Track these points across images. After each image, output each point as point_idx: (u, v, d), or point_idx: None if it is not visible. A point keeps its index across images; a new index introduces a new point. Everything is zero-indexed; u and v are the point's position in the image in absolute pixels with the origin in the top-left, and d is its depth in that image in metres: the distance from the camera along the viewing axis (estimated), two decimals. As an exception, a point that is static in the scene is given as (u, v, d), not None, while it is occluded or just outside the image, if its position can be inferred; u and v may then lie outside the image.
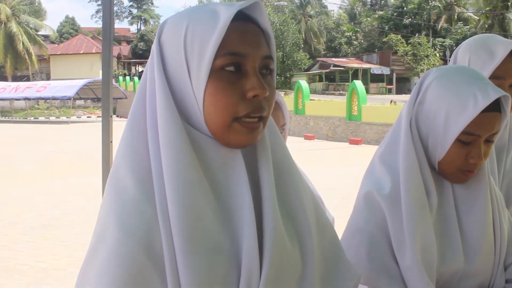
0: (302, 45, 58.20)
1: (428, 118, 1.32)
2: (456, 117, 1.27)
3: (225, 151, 0.93)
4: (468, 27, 51.97)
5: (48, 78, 50.70)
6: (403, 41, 49.16)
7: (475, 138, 1.28)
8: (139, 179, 0.90)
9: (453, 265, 1.31)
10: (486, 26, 43.62)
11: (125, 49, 63.00)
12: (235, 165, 0.93)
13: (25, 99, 33.58)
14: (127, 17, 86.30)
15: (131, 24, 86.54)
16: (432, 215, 1.31)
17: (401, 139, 1.34)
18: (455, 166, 1.31)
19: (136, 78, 38.01)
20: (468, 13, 52.71)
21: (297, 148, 14.93)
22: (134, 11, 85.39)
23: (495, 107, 1.28)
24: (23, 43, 47.59)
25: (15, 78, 49.22)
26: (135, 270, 0.83)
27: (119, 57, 56.93)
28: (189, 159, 0.88)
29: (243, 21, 0.92)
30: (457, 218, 1.35)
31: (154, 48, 0.96)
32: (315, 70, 54.34)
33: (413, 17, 54.91)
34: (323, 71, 51.50)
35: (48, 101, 35.30)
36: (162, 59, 0.94)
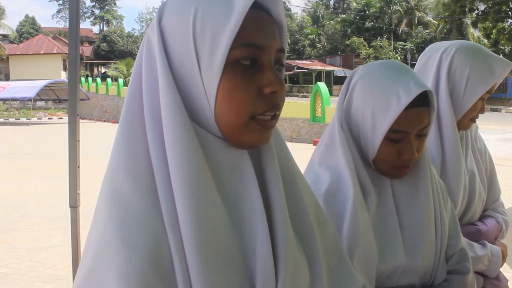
0: (267, 47, 58.29)
1: (357, 118, 1.32)
2: (381, 116, 1.26)
3: (233, 153, 0.85)
4: (428, 31, 53.11)
5: (7, 78, 49.29)
6: (365, 44, 49.95)
7: (404, 134, 1.28)
8: (140, 186, 0.78)
9: (393, 262, 1.30)
10: (445, 30, 44.70)
11: (87, 50, 61.76)
12: (243, 168, 0.85)
13: (-17, 100, 32.64)
14: (89, 17, 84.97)
15: (94, 24, 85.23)
16: (372, 214, 1.30)
17: (336, 140, 1.33)
18: (389, 163, 1.31)
19: (98, 80, 37.28)
20: (428, 18, 53.83)
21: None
22: (97, 11, 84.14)
23: (422, 101, 1.27)
24: (-20, 42, 46.37)
25: (-28, 79, 47.87)
26: None
27: (81, 58, 55.64)
28: (200, 164, 0.78)
29: (256, 8, 0.83)
30: (397, 214, 1.34)
31: (153, 34, 0.83)
32: (279, 72, 54.36)
33: (375, 20, 55.75)
34: (287, 73, 51.64)
35: (7, 102, 34.34)
36: (164, 48, 0.82)
